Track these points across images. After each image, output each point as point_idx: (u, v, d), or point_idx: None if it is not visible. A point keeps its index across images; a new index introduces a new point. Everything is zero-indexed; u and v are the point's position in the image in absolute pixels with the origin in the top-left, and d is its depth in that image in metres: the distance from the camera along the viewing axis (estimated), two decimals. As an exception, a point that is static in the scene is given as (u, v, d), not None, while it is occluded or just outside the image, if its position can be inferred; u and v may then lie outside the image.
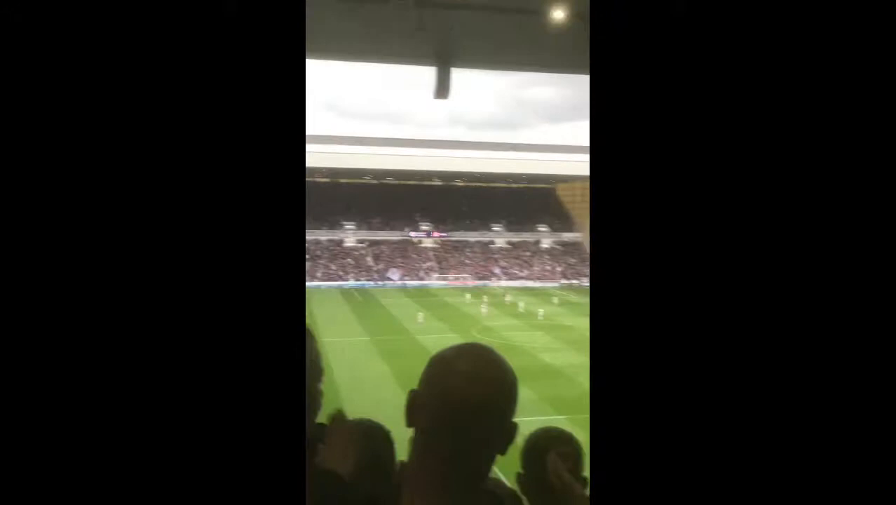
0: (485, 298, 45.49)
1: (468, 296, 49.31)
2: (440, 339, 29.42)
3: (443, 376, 1.10)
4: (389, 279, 60.18)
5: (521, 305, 45.56)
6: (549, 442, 1.62)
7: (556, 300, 47.85)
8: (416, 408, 1.11)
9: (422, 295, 52.45)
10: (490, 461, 1.10)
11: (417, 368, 1.19)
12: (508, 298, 47.15)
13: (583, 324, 39.54)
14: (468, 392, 1.07)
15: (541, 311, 42.38)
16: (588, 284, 50.93)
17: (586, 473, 1.46)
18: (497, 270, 63.68)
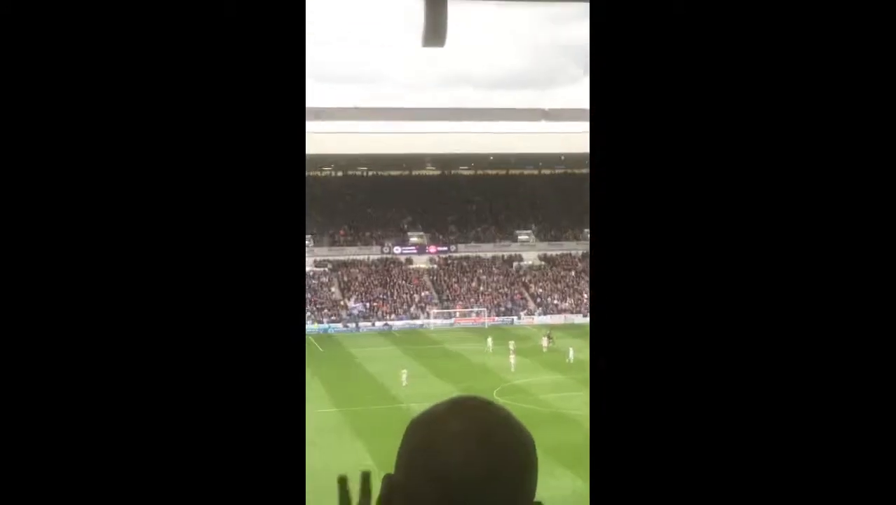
0: (511, 344, 45.50)
1: (489, 340, 49.27)
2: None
3: (428, 448, 1.12)
4: (364, 319, 60.13)
5: (570, 351, 45.55)
6: None
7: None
8: (395, 499, 1.12)
9: (414, 340, 52.37)
10: None
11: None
12: (546, 343, 47.15)
13: (659, 376, 39.59)
14: (466, 469, 1.09)
15: (571, 353, 42.17)
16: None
17: None
18: (527, 299, 63.56)
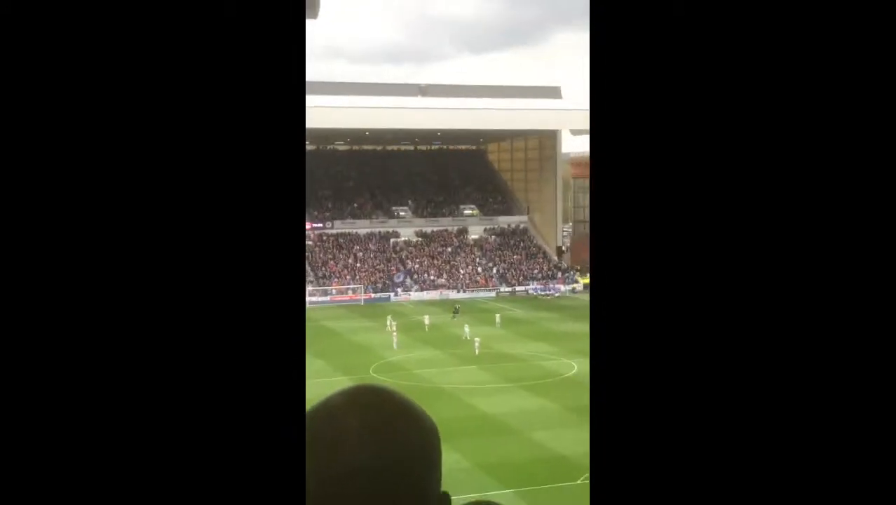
0: (389, 320, 45.59)
1: (361, 318, 49.17)
2: (319, 385, 28.97)
3: (324, 442, 1.11)
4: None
5: (435, 324, 46.00)
6: None
7: (498, 318, 48.62)
8: None
9: (290, 319, 51.68)
10: None
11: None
12: (428, 320, 47.41)
13: (535, 351, 40.36)
14: (367, 461, 1.09)
15: (467, 329, 42.87)
16: (538, 292, 51.86)
17: None
18: (403, 276, 63.70)
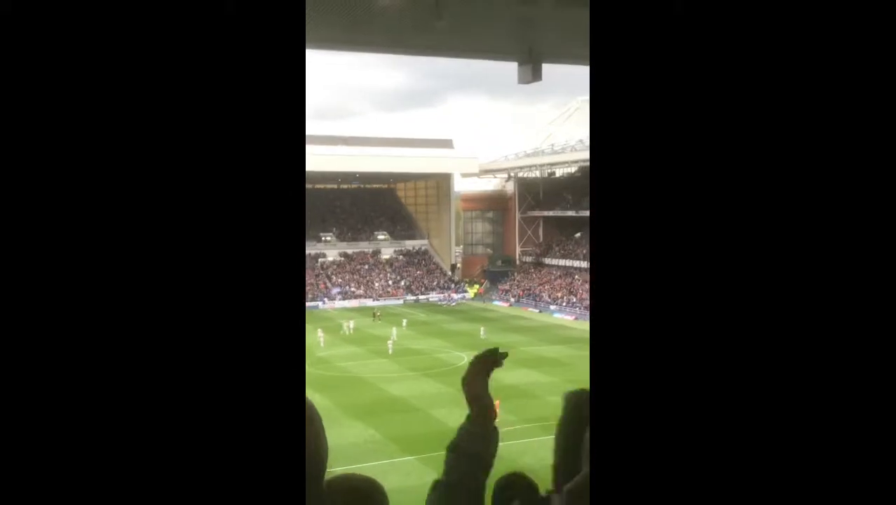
0: (319, 331, 44.94)
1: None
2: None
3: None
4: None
5: (351, 325, 45.67)
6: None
7: (404, 321, 48.43)
8: None
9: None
10: None
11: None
12: (351, 325, 46.87)
13: (433, 346, 40.38)
14: None
15: (376, 331, 42.65)
16: (437, 300, 51.71)
17: None
18: (329, 288, 63.14)
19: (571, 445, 1.57)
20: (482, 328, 44.43)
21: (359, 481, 1.48)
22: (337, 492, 1.47)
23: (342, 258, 68.35)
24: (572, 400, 1.67)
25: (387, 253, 70.20)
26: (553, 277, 60.85)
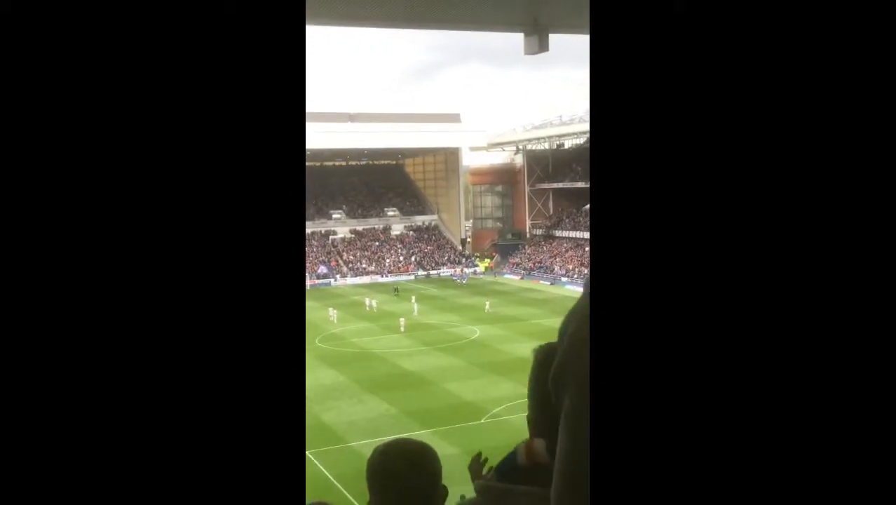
0: (331, 309, 45.09)
1: (308, 300, 48.61)
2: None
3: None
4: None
5: (373, 303, 45.81)
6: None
7: (414, 297, 48.55)
8: None
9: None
10: None
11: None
12: (370, 302, 47.02)
13: (446, 320, 40.45)
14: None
15: (397, 307, 42.72)
16: (448, 275, 51.84)
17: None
18: (341, 266, 63.17)
19: (542, 397, 1.61)
20: (487, 302, 44.58)
21: (414, 445, 1.66)
22: (394, 456, 1.64)
23: (353, 235, 68.24)
24: (539, 355, 1.73)
25: (397, 229, 69.96)
26: (564, 249, 60.75)
